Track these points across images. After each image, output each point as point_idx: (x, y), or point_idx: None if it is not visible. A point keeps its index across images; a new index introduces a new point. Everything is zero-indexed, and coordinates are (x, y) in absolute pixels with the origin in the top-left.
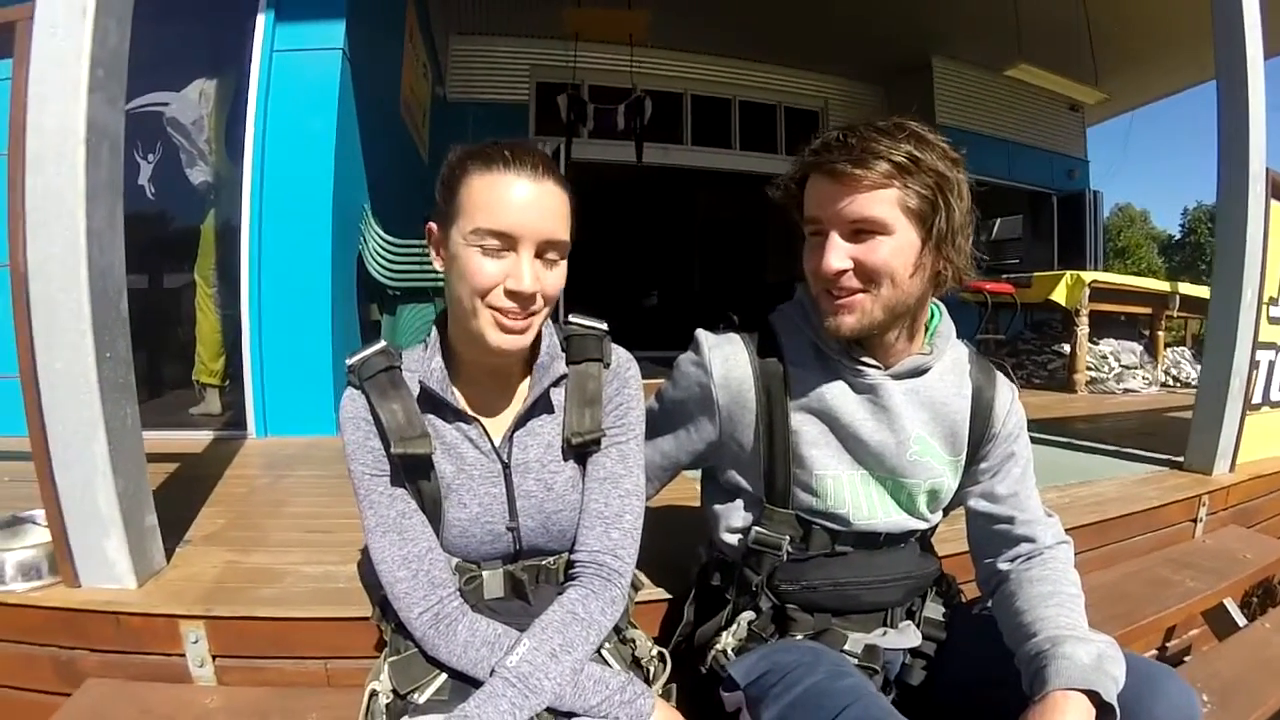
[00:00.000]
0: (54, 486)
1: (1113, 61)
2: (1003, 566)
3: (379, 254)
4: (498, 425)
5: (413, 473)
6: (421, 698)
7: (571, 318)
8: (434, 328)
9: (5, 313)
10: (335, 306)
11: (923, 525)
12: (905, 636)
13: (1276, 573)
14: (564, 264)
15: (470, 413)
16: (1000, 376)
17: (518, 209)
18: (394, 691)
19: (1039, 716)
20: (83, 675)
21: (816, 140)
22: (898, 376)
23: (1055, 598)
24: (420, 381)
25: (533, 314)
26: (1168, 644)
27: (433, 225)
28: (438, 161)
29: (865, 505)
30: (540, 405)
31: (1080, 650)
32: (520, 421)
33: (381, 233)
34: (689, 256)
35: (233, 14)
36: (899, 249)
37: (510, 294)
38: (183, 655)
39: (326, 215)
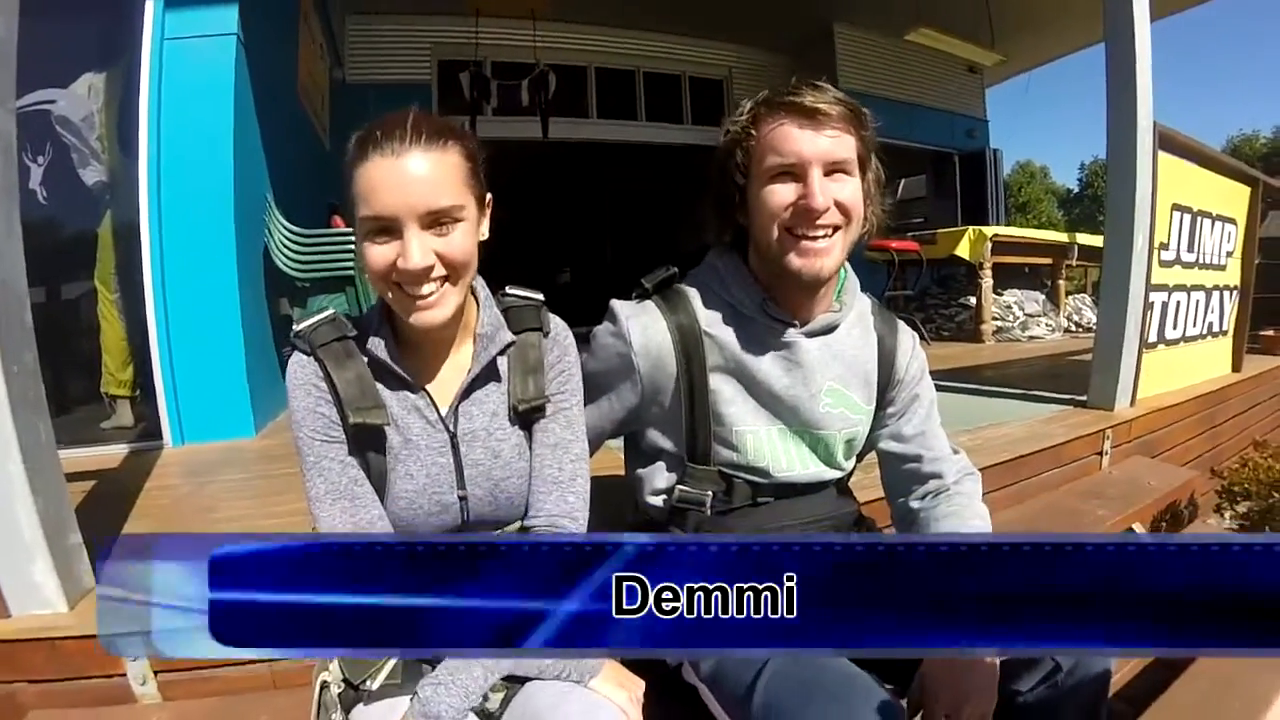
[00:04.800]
0: None
1: (1009, 24)
2: (914, 505)
3: (285, 246)
4: (443, 395)
5: (362, 443)
6: (374, 684)
7: (508, 289)
8: (379, 299)
9: None
10: (244, 304)
11: (839, 474)
12: None
13: (1181, 497)
14: (465, 225)
15: (417, 383)
16: (901, 325)
17: (387, 190)
18: (345, 681)
19: (941, 663)
20: (24, 709)
21: (764, 92)
22: (811, 334)
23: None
24: (369, 351)
25: (444, 284)
26: None
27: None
28: (339, 147)
29: (784, 458)
30: (486, 374)
31: None
32: (466, 391)
33: (286, 224)
34: (600, 230)
35: (119, 1)
36: (858, 191)
37: (404, 273)
38: (124, 675)
39: (228, 209)
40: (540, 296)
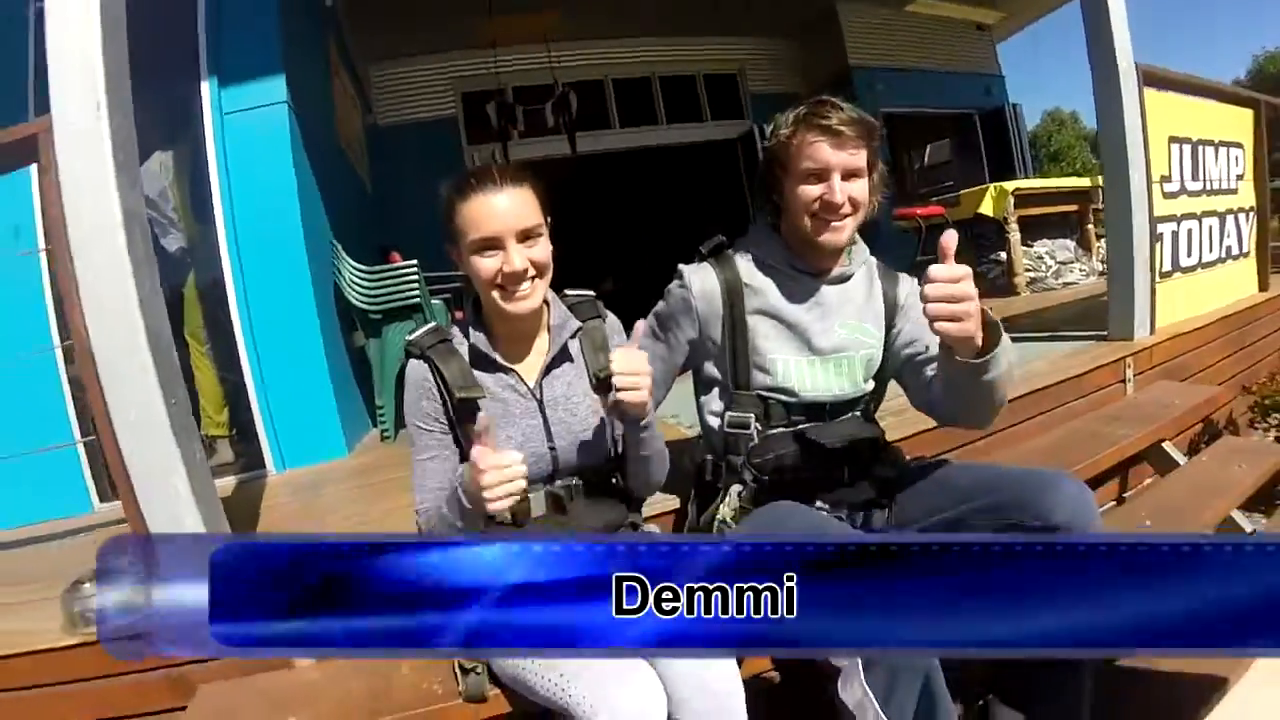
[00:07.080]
0: (144, 524)
1: None
2: (929, 372)
3: (355, 283)
4: (529, 373)
5: (466, 416)
6: None
7: (567, 291)
8: (470, 311)
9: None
10: (326, 339)
11: (859, 393)
12: (859, 491)
13: (1211, 414)
14: (544, 237)
15: (509, 365)
16: (902, 275)
17: (492, 217)
18: None
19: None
20: (194, 685)
21: (800, 108)
22: (830, 282)
23: None
24: (471, 345)
25: (534, 281)
26: (1124, 495)
27: (449, 246)
28: (380, 189)
29: (809, 379)
30: (562, 354)
31: None
32: (548, 368)
33: (354, 263)
34: (638, 236)
35: (177, 83)
36: (865, 187)
37: (508, 275)
38: None
39: (302, 257)
40: (592, 293)
